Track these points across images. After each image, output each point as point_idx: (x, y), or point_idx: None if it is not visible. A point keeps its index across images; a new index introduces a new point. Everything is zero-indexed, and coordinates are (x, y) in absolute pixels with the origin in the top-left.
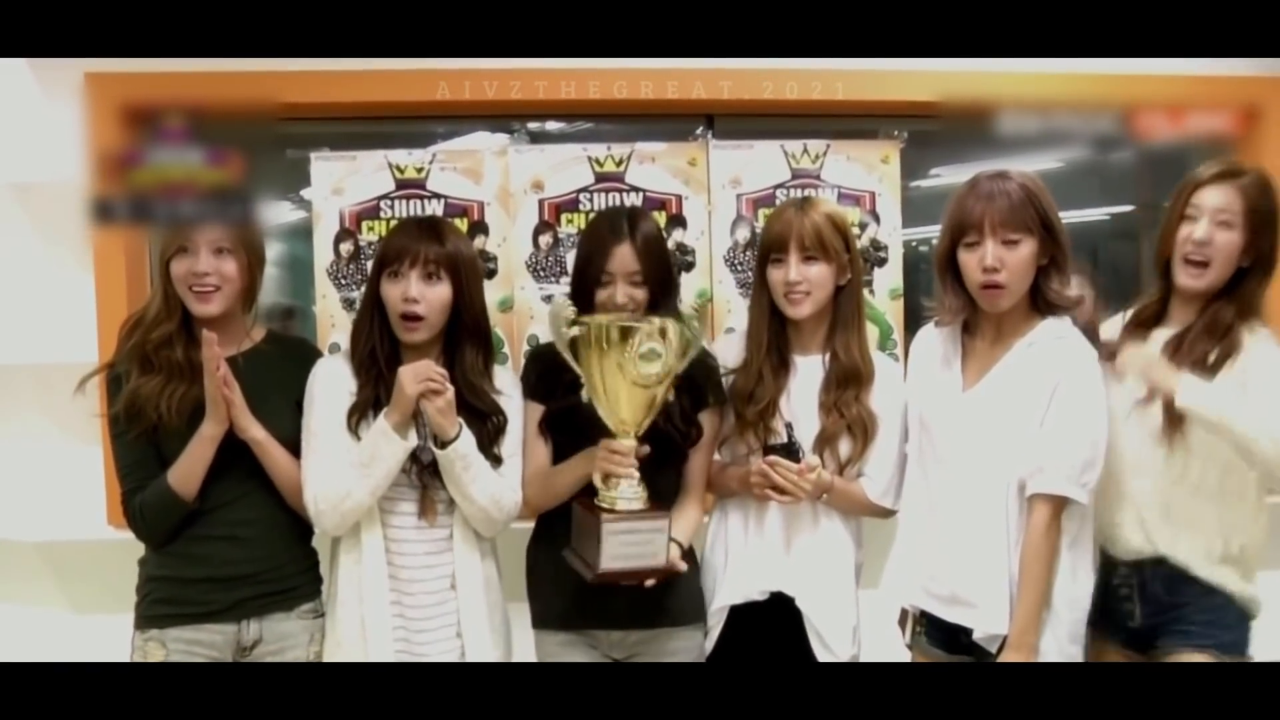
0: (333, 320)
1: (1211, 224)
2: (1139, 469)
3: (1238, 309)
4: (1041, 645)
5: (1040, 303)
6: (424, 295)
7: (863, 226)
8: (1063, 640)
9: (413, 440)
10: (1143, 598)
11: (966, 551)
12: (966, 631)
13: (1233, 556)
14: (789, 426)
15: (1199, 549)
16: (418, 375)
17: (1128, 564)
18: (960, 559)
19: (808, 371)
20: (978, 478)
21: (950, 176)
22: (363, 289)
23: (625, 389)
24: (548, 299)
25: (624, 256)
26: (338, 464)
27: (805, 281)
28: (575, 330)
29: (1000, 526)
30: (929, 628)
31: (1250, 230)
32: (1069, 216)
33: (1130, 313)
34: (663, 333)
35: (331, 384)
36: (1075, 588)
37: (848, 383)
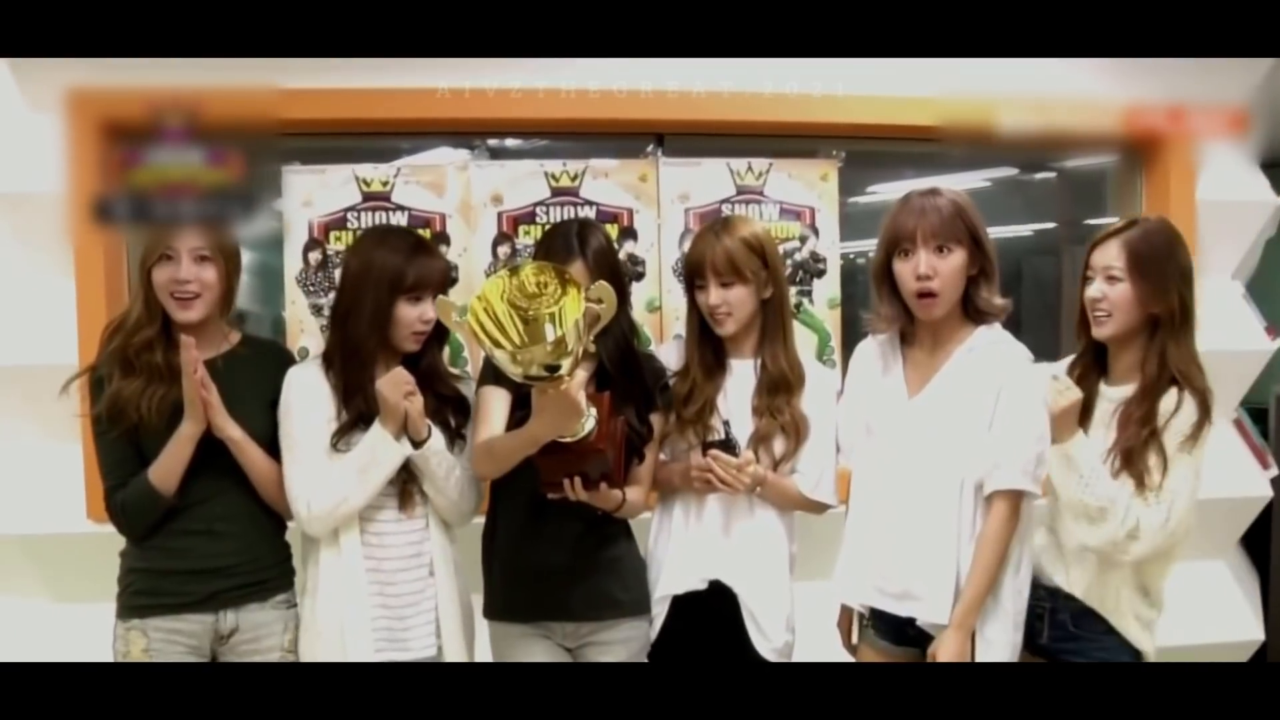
0: (301, 325)
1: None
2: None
3: None
4: (988, 634)
5: (971, 311)
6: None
7: (803, 240)
8: (1008, 629)
9: (407, 444)
10: (1052, 622)
11: (918, 549)
12: (914, 624)
13: (1136, 606)
14: (726, 424)
15: (1109, 597)
16: (396, 384)
17: (1046, 588)
18: (913, 556)
19: (742, 374)
20: (928, 479)
21: (885, 193)
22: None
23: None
24: None
25: (577, 273)
26: (327, 470)
27: (725, 304)
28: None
29: (950, 524)
30: (876, 622)
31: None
32: (995, 232)
33: None
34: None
35: (307, 393)
36: (1018, 579)
37: (778, 389)
